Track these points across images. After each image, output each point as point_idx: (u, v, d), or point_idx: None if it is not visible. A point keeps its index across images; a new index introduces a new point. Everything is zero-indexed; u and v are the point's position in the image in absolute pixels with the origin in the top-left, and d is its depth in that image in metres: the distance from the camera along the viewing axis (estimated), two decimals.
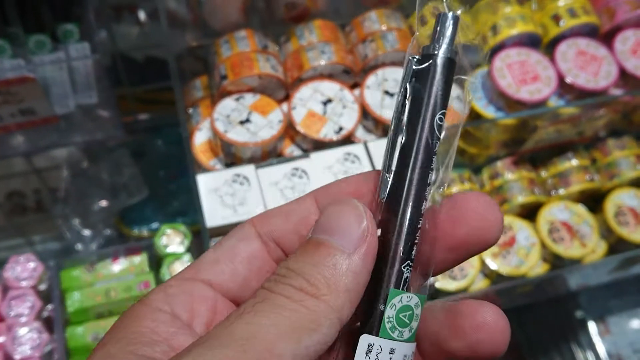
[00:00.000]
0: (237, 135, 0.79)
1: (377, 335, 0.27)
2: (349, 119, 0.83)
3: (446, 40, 0.29)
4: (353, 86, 0.89)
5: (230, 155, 0.81)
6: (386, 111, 0.84)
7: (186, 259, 0.83)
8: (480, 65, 0.93)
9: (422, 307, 0.28)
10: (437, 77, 0.28)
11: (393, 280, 0.28)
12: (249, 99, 0.83)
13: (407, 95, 0.29)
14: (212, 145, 0.83)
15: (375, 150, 0.80)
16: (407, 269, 0.28)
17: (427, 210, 0.29)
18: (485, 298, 0.90)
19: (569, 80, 0.91)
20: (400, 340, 0.27)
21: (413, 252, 0.28)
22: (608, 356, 1.12)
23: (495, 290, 0.91)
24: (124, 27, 1.04)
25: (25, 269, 0.82)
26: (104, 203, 1.05)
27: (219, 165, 0.83)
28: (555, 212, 0.94)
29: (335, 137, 0.82)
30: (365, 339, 0.27)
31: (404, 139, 0.29)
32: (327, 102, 0.84)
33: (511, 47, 0.92)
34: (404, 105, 0.29)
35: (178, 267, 0.82)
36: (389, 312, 0.27)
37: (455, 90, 0.29)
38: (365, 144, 0.81)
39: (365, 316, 0.28)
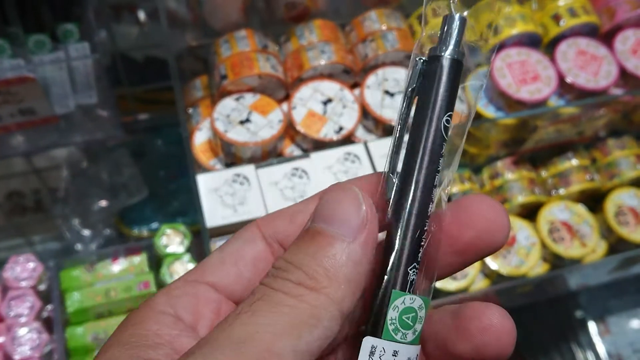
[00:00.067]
0: (237, 135, 0.79)
1: (380, 337, 0.27)
2: (349, 118, 0.83)
3: (453, 41, 0.28)
4: (353, 86, 0.89)
5: (230, 155, 0.81)
6: (386, 111, 0.84)
7: (186, 259, 0.83)
8: (481, 66, 0.93)
9: (427, 310, 0.28)
10: (444, 79, 0.28)
11: (399, 283, 0.27)
12: (249, 98, 0.83)
13: (413, 97, 0.29)
14: (212, 145, 0.83)
15: (376, 150, 0.80)
16: (413, 272, 0.28)
17: (433, 213, 0.28)
18: (486, 298, 0.90)
19: (569, 80, 0.91)
20: (403, 343, 0.27)
21: (419, 255, 0.28)
22: (608, 356, 1.12)
23: (495, 290, 0.91)
24: (123, 27, 1.04)
25: (24, 269, 0.82)
26: (103, 203, 1.05)
27: (219, 165, 0.83)
28: (555, 212, 0.94)
29: (335, 137, 0.82)
30: (368, 341, 0.27)
31: (410, 140, 0.29)
32: (327, 101, 0.84)
33: (511, 47, 0.92)
34: (410, 106, 0.29)
35: (178, 267, 0.82)
36: (392, 314, 0.27)
37: (460, 91, 0.29)
38: (365, 143, 0.81)
39: (368, 318, 0.28)
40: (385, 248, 0.28)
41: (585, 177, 0.96)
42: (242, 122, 0.81)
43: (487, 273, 0.91)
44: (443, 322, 0.29)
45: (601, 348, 1.13)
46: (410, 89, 0.29)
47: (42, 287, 0.83)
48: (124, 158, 1.10)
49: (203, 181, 0.76)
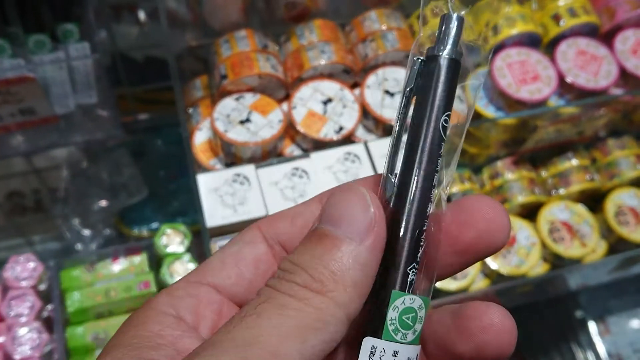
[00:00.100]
0: (237, 134, 0.79)
1: (380, 337, 0.27)
2: (349, 118, 0.83)
3: (451, 41, 0.28)
4: (353, 86, 0.89)
5: (231, 155, 0.81)
6: (386, 111, 0.84)
7: (186, 259, 0.83)
8: (481, 65, 0.93)
9: (427, 310, 0.28)
10: (442, 79, 0.28)
11: (398, 283, 0.27)
12: (249, 98, 0.83)
13: (412, 97, 0.29)
14: (212, 145, 0.83)
15: (376, 150, 0.80)
16: (413, 272, 0.28)
17: (432, 213, 0.28)
18: (486, 298, 0.90)
19: (569, 79, 0.91)
20: (403, 343, 0.27)
21: (419, 255, 0.28)
22: (608, 356, 1.12)
23: (495, 290, 0.92)
24: (123, 27, 1.04)
25: (25, 268, 0.82)
26: (103, 203, 1.05)
27: (219, 165, 0.83)
28: (555, 211, 0.94)
29: (335, 137, 0.82)
30: (368, 342, 0.27)
31: (409, 140, 0.28)
32: (327, 101, 0.84)
33: (511, 47, 0.92)
34: (408, 106, 0.29)
35: (178, 267, 0.82)
36: (392, 314, 0.27)
37: (458, 90, 0.29)
38: (365, 143, 0.81)
39: (368, 318, 0.28)
40: (385, 249, 0.28)
41: (585, 177, 0.96)
42: (242, 122, 0.81)
43: (487, 273, 0.91)
44: (443, 321, 0.29)
45: (601, 348, 1.13)
46: (408, 89, 0.29)
47: (42, 287, 0.83)
48: (124, 158, 1.10)
49: (203, 181, 0.76)
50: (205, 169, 0.82)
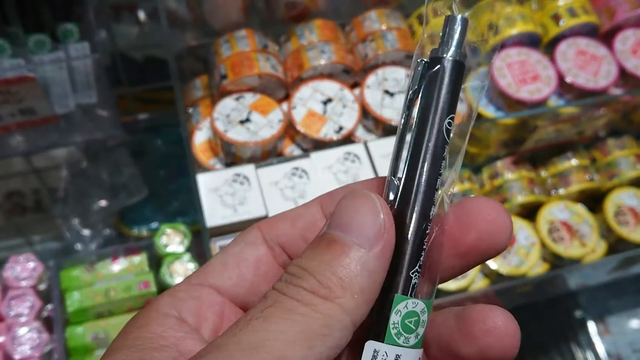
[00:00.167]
0: (237, 134, 0.79)
1: (382, 341, 0.27)
2: (349, 118, 0.83)
3: (455, 43, 0.28)
4: (353, 86, 0.89)
5: (230, 154, 0.81)
6: (386, 111, 0.84)
7: (186, 259, 0.83)
8: (482, 66, 0.93)
9: (429, 313, 0.28)
10: (446, 81, 0.28)
11: (401, 287, 0.27)
12: (249, 98, 0.83)
13: (415, 99, 0.29)
14: (212, 144, 0.83)
15: (376, 150, 0.80)
16: (416, 275, 0.28)
17: (435, 215, 0.28)
18: (485, 298, 0.90)
19: (568, 79, 0.91)
20: (406, 347, 0.27)
21: (421, 258, 0.28)
22: (608, 356, 1.12)
23: (495, 290, 0.92)
24: (123, 27, 1.04)
25: (24, 268, 0.82)
26: (103, 203, 1.05)
27: (219, 164, 0.83)
28: (555, 211, 0.94)
29: (335, 137, 0.82)
30: (370, 345, 0.27)
31: (412, 143, 0.28)
32: (327, 101, 0.84)
33: (511, 47, 0.92)
34: (411, 108, 0.29)
35: (178, 266, 0.82)
36: (394, 318, 0.27)
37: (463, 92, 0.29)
38: (365, 143, 0.81)
39: (371, 322, 0.27)
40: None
41: (585, 177, 0.96)
42: (242, 122, 0.81)
43: (487, 273, 0.91)
44: (447, 324, 0.29)
45: (601, 348, 1.13)
46: (412, 91, 0.29)
47: (42, 286, 0.83)
48: (124, 158, 1.10)
49: (203, 181, 0.76)
50: (205, 169, 0.82)
